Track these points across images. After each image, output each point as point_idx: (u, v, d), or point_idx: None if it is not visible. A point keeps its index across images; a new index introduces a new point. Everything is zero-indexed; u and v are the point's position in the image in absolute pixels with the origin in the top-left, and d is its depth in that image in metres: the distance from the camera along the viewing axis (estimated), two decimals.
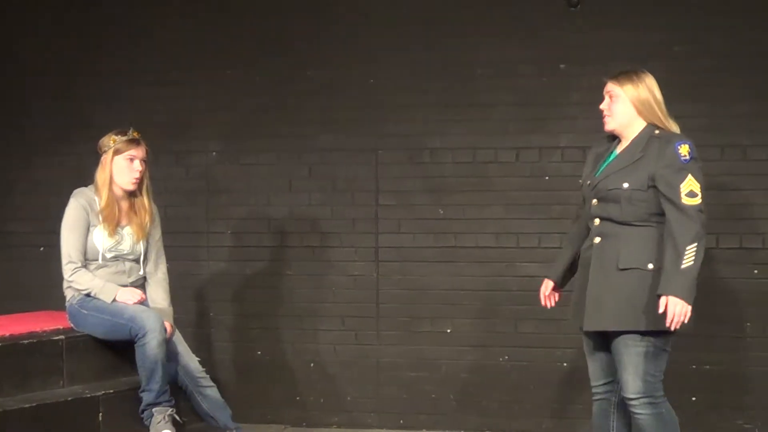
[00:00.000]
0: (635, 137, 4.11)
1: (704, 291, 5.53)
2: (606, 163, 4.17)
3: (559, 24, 5.71)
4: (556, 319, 5.68)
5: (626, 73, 4.16)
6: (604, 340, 4.15)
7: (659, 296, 3.90)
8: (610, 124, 4.18)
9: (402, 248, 5.90)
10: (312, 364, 6.00)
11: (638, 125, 4.12)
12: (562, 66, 5.70)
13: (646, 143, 4.06)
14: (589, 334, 4.18)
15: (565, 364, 5.69)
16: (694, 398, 5.49)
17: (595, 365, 4.24)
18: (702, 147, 5.51)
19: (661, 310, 3.89)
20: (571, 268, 4.34)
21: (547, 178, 5.74)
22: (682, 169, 3.97)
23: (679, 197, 3.94)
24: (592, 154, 4.31)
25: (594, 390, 4.28)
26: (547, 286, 4.40)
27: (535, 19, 5.73)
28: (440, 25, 5.83)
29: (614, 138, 4.23)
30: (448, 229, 5.84)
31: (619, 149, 4.17)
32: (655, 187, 4.00)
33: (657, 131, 4.09)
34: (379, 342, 5.93)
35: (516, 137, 5.76)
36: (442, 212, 5.86)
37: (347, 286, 5.94)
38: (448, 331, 5.85)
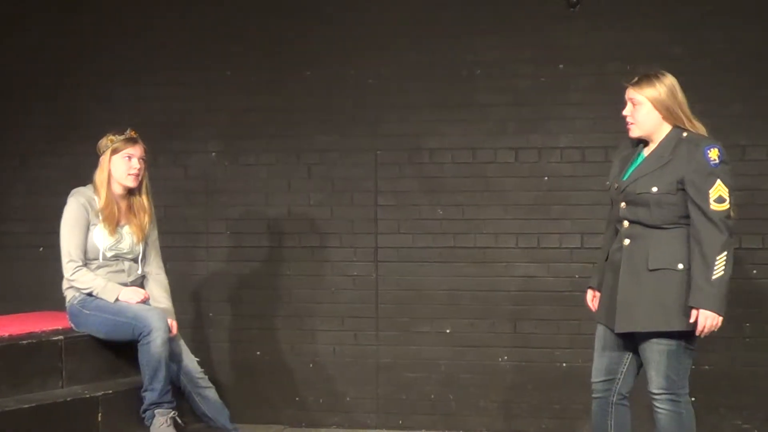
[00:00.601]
0: (663, 139, 4.08)
1: None
2: (634, 166, 4.15)
3: (558, 24, 5.71)
4: (554, 320, 5.70)
5: (647, 77, 4.10)
6: (625, 341, 4.17)
7: (691, 307, 3.92)
8: (635, 132, 4.14)
9: (401, 248, 5.90)
10: (311, 365, 6.00)
11: (664, 129, 4.09)
12: (561, 66, 5.70)
13: (675, 146, 4.03)
14: (605, 327, 4.20)
15: (563, 365, 5.69)
16: (693, 399, 5.46)
17: (600, 361, 4.26)
18: None
19: (692, 320, 3.92)
20: None
21: (546, 178, 5.74)
22: (711, 174, 3.94)
23: (708, 204, 3.93)
24: (618, 155, 4.29)
25: (593, 386, 4.30)
26: (594, 294, 4.40)
27: (534, 20, 5.73)
28: (440, 25, 5.83)
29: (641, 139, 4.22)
30: (447, 230, 5.84)
31: (646, 152, 4.15)
32: (683, 190, 3.98)
33: (685, 134, 4.06)
34: (379, 342, 5.92)
35: (515, 137, 5.76)
36: (441, 212, 5.86)
37: (346, 287, 5.94)
38: (447, 331, 5.85)
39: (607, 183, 4.28)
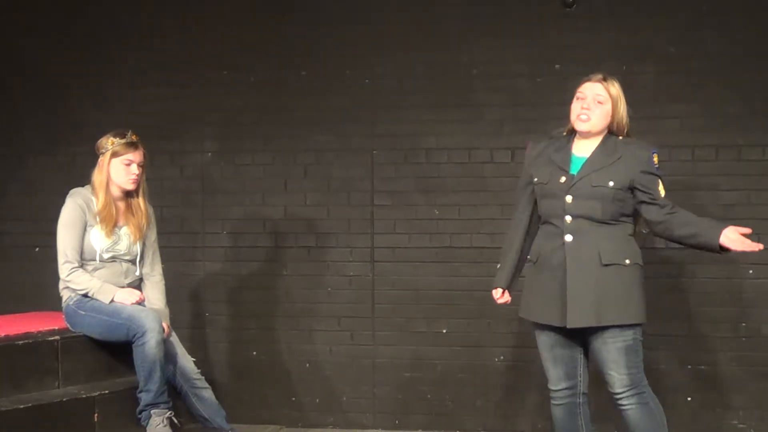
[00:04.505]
0: (603, 138, 4.18)
1: (700, 290, 5.57)
2: (580, 163, 4.16)
3: (554, 24, 5.71)
4: None
5: (612, 77, 4.20)
6: (573, 341, 4.19)
7: (719, 233, 4.02)
8: (585, 126, 4.17)
9: (397, 248, 5.90)
10: (308, 365, 6.00)
11: (605, 130, 4.20)
12: (557, 66, 5.71)
13: (616, 146, 4.14)
14: (550, 333, 4.20)
15: None
16: (689, 398, 5.50)
17: (556, 370, 4.25)
18: (697, 147, 5.57)
19: (738, 236, 4.01)
20: (516, 271, 4.39)
21: None
22: (657, 177, 4.13)
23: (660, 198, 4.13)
24: (541, 154, 4.28)
25: (554, 394, 4.29)
26: (499, 293, 4.41)
27: (530, 20, 5.73)
28: (436, 25, 5.84)
29: (559, 138, 4.28)
30: (444, 230, 5.85)
31: (579, 150, 4.19)
32: (632, 189, 4.10)
33: (620, 137, 4.18)
34: (375, 342, 5.92)
35: (511, 137, 5.76)
36: (437, 212, 5.86)
37: (343, 287, 5.94)
38: (444, 331, 5.85)
39: (535, 179, 4.25)
